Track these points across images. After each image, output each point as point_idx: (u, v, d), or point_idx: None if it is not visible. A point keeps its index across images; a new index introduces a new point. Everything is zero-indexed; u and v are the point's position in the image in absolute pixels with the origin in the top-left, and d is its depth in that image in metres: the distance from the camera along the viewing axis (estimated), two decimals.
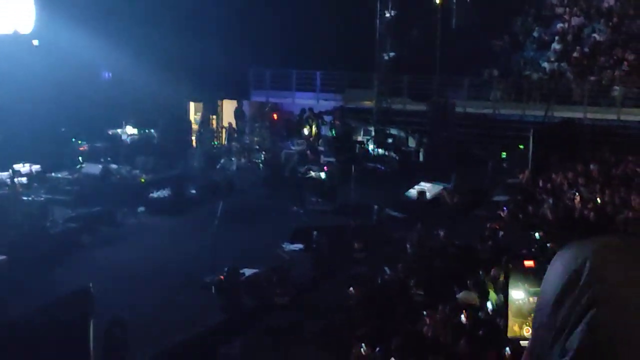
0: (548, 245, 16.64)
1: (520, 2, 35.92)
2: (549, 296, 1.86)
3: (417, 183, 24.33)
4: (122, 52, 27.55)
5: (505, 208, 21.52)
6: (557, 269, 1.89)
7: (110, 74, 30.38)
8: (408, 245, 17.99)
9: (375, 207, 22.29)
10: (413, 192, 23.78)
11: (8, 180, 22.12)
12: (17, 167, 23.26)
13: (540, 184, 22.76)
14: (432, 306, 12.96)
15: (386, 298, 14.74)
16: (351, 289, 15.10)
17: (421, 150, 30.34)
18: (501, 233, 17.85)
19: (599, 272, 1.82)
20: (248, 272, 16.95)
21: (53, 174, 23.99)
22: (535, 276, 3.63)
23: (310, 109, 32.38)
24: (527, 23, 35.47)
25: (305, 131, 31.39)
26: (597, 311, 1.76)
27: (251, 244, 19.75)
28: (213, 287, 16.40)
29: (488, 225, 18.54)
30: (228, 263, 16.74)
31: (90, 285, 12.96)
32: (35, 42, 26.96)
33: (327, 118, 32.13)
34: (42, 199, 21.74)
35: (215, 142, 32.55)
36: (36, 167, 23.73)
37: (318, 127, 31.61)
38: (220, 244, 17.46)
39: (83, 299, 12.91)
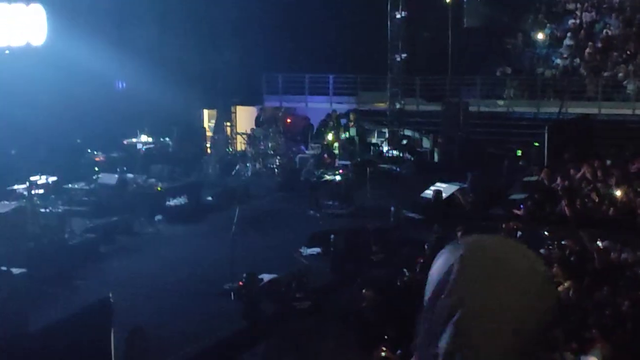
0: (563, 242, 16.60)
1: None
2: (428, 294, 1.96)
3: (433, 184, 24.23)
4: (135, 61, 27.62)
5: (522, 206, 21.45)
6: (433, 270, 1.98)
7: (124, 84, 30.44)
8: (426, 247, 17.90)
9: (392, 209, 22.23)
10: (429, 192, 23.68)
11: (25, 192, 22.12)
12: (33, 179, 23.26)
13: (557, 180, 22.64)
14: None
15: (406, 300, 14.68)
16: (364, 291, 15.06)
17: (436, 150, 30.31)
18: (519, 233, 17.76)
19: (462, 276, 1.89)
20: (267, 277, 16.92)
21: (70, 185, 24.01)
22: None
23: (335, 111, 32.18)
24: (539, 20, 35.38)
25: (330, 135, 31.23)
26: (461, 313, 1.85)
27: (269, 249, 19.72)
28: (232, 293, 16.39)
29: (504, 225, 18.43)
30: (246, 269, 16.70)
31: (110, 295, 13.00)
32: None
33: (342, 121, 32.09)
34: (60, 210, 21.77)
35: (230, 149, 32.57)
36: (52, 179, 23.71)
37: (334, 131, 31.57)
38: (238, 250, 17.42)
39: (103, 310, 12.95)
